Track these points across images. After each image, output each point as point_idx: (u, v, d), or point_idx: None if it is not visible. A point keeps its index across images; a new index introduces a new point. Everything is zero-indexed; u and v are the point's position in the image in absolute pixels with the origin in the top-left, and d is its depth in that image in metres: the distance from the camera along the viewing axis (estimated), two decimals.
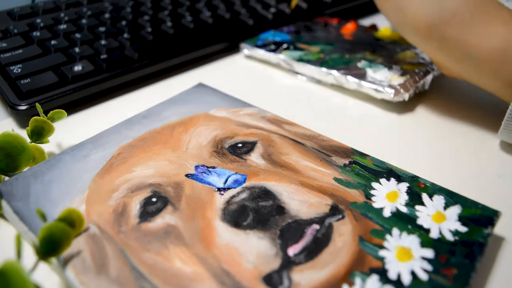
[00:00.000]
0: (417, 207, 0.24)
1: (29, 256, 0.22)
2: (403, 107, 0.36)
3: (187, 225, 0.23)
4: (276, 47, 0.44)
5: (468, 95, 0.37)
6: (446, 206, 0.24)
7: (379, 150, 0.31)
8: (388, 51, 0.41)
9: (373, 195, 0.25)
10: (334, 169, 0.27)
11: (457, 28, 0.28)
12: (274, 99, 0.38)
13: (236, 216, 0.23)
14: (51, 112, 0.30)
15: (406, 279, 0.20)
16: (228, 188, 0.25)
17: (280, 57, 0.42)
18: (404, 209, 0.24)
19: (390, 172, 0.26)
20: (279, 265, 0.21)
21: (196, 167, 0.27)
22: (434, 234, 0.22)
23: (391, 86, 0.35)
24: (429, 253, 0.21)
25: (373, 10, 0.55)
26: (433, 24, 0.29)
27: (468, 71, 0.30)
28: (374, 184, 0.25)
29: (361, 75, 0.37)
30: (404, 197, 0.24)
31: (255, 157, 0.28)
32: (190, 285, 0.20)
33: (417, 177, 0.26)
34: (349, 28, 0.48)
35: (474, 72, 0.30)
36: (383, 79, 0.36)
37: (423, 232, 0.22)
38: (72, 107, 0.37)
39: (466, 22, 0.28)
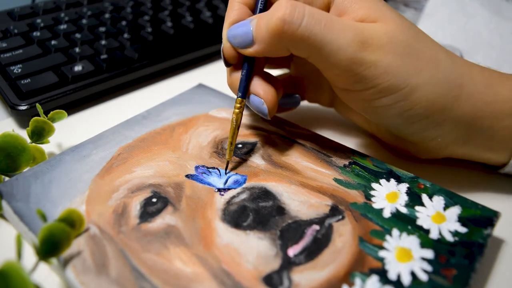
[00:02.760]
0: (417, 207, 0.24)
1: (29, 256, 0.22)
2: None
3: (187, 226, 0.23)
4: None
5: None
6: (446, 207, 0.24)
7: (379, 150, 0.31)
8: None
9: (373, 196, 0.25)
10: (334, 169, 0.27)
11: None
12: None
13: (236, 217, 0.23)
14: (51, 112, 0.30)
15: (406, 280, 0.20)
16: (228, 189, 0.25)
17: None
18: (404, 210, 0.24)
19: (390, 173, 0.26)
20: (279, 265, 0.21)
21: (196, 167, 0.27)
22: (434, 235, 0.22)
23: None
24: (429, 253, 0.21)
25: None
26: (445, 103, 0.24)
27: (476, 146, 0.26)
28: (374, 185, 0.26)
29: None
30: (404, 198, 0.24)
31: (255, 158, 0.28)
32: (190, 285, 0.20)
33: (417, 177, 0.26)
34: None
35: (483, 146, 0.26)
36: None
37: (423, 233, 0.22)
38: (72, 107, 0.37)
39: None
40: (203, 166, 0.27)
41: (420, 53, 0.24)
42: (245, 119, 0.32)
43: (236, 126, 0.26)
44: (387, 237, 0.22)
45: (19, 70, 0.36)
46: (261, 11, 0.26)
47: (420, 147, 0.27)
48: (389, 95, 0.24)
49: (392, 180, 0.26)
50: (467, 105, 0.24)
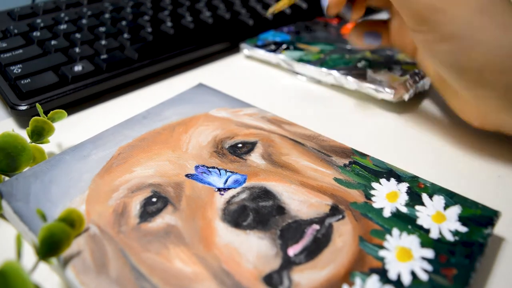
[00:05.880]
0: (417, 207, 0.24)
1: (29, 256, 0.22)
2: (403, 107, 0.36)
3: (187, 225, 0.23)
4: (276, 47, 0.44)
5: None
6: (446, 206, 0.24)
7: (379, 150, 0.31)
8: (388, 51, 0.42)
9: (373, 195, 0.25)
10: (334, 169, 0.27)
11: None
12: (274, 99, 0.38)
13: (236, 216, 0.23)
14: (51, 112, 0.30)
15: (406, 279, 0.20)
16: (228, 188, 0.25)
17: (280, 57, 0.42)
18: (404, 209, 0.24)
19: (390, 172, 0.26)
20: (279, 265, 0.21)
21: (196, 167, 0.27)
22: (434, 234, 0.22)
23: (391, 86, 0.35)
24: (429, 253, 0.21)
25: (372, 10, 0.55)
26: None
27: None
28: (374, 184, 0.25)
29: (361, 76, 0.37)
30: (404, 197, 0.24)
31: (255, 157, 0.28)
32: (190, 285, 0.20)
33: (417, 177, 0.26)
34: (349, 28, 0.48)
35: None
36: (383, 80, 0.36)
37: (423, 232, 0.22)
38: (72, 107, 0.37)
39: None
40: (203, 165, 0.27)
41: (494, 15, 0.24)
42: (245, 119, 0.32)
43: None
44: (387, 236, 0.22)
45: (19, 70, 0.36)
46: None
47: (469, 106, 0.28)
48: (449, 42, 0.25)
49: (392, 180, 0.26)
50: None
